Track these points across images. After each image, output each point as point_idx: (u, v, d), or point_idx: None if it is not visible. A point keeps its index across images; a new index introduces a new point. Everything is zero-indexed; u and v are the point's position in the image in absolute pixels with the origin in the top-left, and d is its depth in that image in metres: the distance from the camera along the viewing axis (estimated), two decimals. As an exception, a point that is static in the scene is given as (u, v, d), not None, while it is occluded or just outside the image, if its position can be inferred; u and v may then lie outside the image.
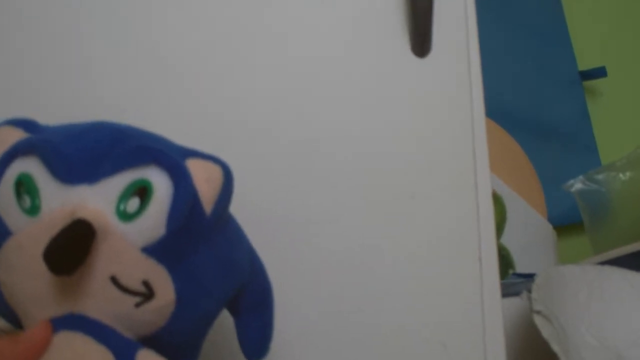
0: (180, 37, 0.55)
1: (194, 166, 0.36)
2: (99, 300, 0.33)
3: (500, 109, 1.10)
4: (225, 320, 0.40)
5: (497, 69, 1.13)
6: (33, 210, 0.34)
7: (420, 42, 0.56)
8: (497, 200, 0.94)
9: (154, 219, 0.33)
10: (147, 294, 0.33)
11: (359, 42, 0.56)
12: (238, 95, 0.54)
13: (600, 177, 0.99)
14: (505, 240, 0.95)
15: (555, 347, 0.60)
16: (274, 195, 0.52)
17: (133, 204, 0.34)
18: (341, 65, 0.56)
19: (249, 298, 0.40)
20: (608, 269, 0.75)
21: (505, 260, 0.94)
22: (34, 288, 0.33)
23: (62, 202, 0.33)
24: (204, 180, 0.36)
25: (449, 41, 0.57)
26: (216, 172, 0.36)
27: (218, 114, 0.53)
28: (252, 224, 0.50)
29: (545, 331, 0.62)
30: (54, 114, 0.50)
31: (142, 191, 0.34)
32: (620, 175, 0.98)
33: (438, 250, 0.52)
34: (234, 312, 0.40)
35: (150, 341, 0.35)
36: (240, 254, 0.39)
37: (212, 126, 0.53)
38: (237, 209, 0.50)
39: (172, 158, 0.35)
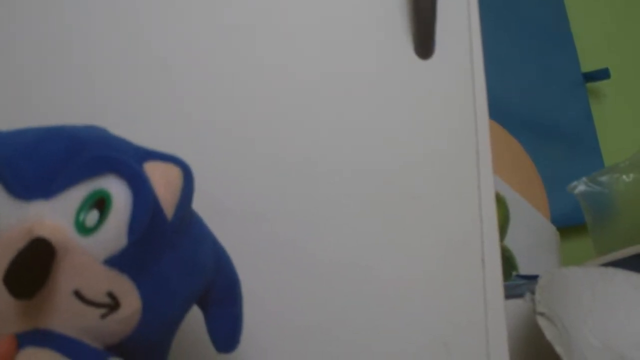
0: (179, 39, 0.55)
1: (152, 170, 0.35)
2: (64, 315, 0.33)
3: (503, 111, 1.10)
4: (195, 314, 0.40)
5: (500, 71, 1.13)
6: None
7: (424, 44, 0.56)
8: (500, 202, 0.94)
9: (114, 231, 0.33)
10: (112, 304, 0.33)
11: (362, 44, 0.56)
12: (239, 96, 0.54)
13: (603, 178, 0.99)
14: (509, 241, 0.95)
15: (559, 349, 0.60)
16: (274, 196, 0.52)
17: (92, 217, 0.33)
18: (344, 67, 0.56)
19: (217, 292, 0.39)
20: (611, 270, 0.75)
21: (508, 262, 0.94)
22: None
23: (20, 218, 0.33)
24: (164, 185, 0.35)
25: (452, 43, 0.57)
26: (175, 174, 0.36)
27: (219, 114, 0.53)
28: (253, 224, 0.51)
29: (549, 333, 0.62)
30: (51, 113, 0.51)
31: (101, 202, 0.33)
32: (624, 177, 0.98)
33: (441, 252, 0.52)
34: (202, 307, 0.40)
35: (120, 348, 0.34)
36: (205, 251, 0.38)
37: (212, 125, 0.53)
38: (238, 208, 0.50)
39: (129, 166, 0.34)
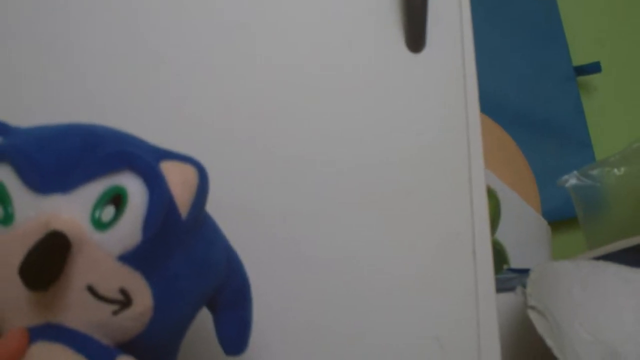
0: (176, 36, 0.54)
1: (168, 169, 0.35)
2: (77, 309, 0.33)
3: (494, 104, 1.10)
4: (204, 316, 0.40)
5: (491, 64, 1.13)
6: (7, 219, 0.33)
7: (415, 38, 0.56)
8: (492, 196, 0.94)
9: (130, 227, 0.33)
10: (125, 301, 0.33)
11: (353, 37, 0.56)
12: (234, 93, 0.54)
13: (594, 172, 0.99)
14: (500, 235, 0.95)
15: (550, 343, 0.60)
16: (266, 191, 0.52)
17: (108, 212, 0.33)
18: (336, 60, 0.55)
19: (227, 296, 0.40)
20: (602, 264, 0.75)
21: (499, 256, 0.94)
22: (10, 297, 0.33)
23: (36, 211, 0.33)
24: (179, 184, 0.35)
25: (444, 37, 0.57)
26: (191, 174, 0.36)
27: (215, 110, 0.53)
28: (245, 220, 0.50)
29: (540, 326, 0.62)
30: (48, 112, 0.51)
31: (117, 199, 0.33)
32: (615, 170, 0.98)
33: (432, 246, 0.52)
34: (212, 310, 0.40)
35: (129, 346, 0.35)
36: (217, 253, 0.39)
37: (208, 122, 0.53)
38: (230, 206, 0.50)
39: (146, 163, 0.34)
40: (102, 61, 0.53)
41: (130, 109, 0.52)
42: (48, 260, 0.31)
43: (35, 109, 0.51)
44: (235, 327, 0.40)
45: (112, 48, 0.53)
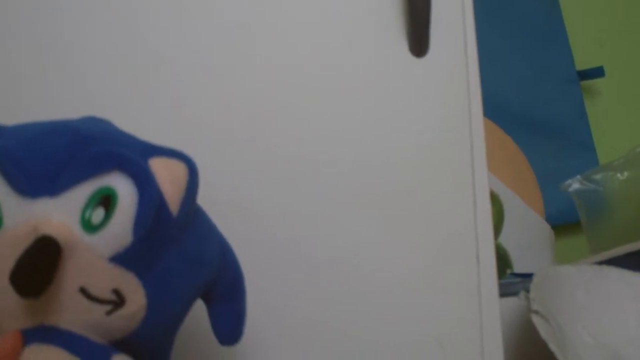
0: (176, 36, 0.54)
1: (157, 166, 0.35)
2: (70, 311, 0.33)
3: (498, 108, 1.10)
4: (199, 307, 0.40)
5: (494, 69, 1.13)
6: None
7: (418, 42, 0.56)
8: (495, 200, 0.94)
9: (120, 228, 0.33)
10: (118, 301, 0.33)
11: (356, 41, 0.56)
12: (234, 93, 0.54)
13: (598, 176, 0.99)
14: (503, 239, 0.95)
15: (553, 347, 0.60)
16: (266, 191, 0.52)
17: (98, 214, 0.33)
18: (339, 64, 0.55)
19: (221, 289, 0.40)
20: (605, 268, 0.75)
21: (503, 260, 0.94)
22: (3, 302, 0.33)
23: (25, 216, 0.33)
24: (169, 182, 0.35)
25: (447, 41, 0.57)
26: (180, 170, 0.36)
27: (214, 110, 0.53)
28: (245, 220, 0.50)
29: (543, 331, 0.62)
30: (47, 111, 0.51)
31: (106, 200, 0.33)
32: (618, 175, 0.98)
33: (436, 250, 0.52)
34: (206, 302, 0.40)
35: (124, 344, 0.35)
36: (210, 247, 0.39)
37: (208, 122, 0.53)
38: (229, 205, 0.50)
39: (135, 163, 0.34)
40: (102, 61, 0.53)
41: (130, 109, 0.52)
42: (39, 267, 0.31)
43: (35, 109, 0.51)
44: (230, 319, 0.40)
45: (112, 48, 0.54)
